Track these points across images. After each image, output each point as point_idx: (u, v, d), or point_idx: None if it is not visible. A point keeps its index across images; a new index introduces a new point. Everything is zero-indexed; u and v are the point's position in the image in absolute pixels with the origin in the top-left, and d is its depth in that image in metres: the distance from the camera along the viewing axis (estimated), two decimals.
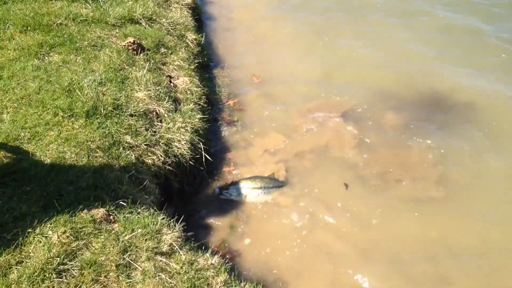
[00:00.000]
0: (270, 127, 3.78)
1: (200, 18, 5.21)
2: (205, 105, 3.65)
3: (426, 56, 4.63)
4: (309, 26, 5.15)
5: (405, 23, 5.22)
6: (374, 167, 3.40)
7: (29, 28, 3.50)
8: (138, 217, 2.26)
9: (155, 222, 2.27)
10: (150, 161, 2.79)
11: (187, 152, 3.00)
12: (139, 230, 2.17)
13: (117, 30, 3.81)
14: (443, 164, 3.40)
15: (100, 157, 2.54)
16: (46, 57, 3.24)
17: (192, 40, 4.31)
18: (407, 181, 3.28)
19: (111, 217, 2.21)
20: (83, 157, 2.50)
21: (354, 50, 4.76)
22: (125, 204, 2.31)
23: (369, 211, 3.05)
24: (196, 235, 2.77)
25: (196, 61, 4.09)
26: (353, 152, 3.53)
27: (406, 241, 2.87)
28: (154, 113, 3.14)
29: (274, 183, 3.19)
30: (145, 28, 3.98)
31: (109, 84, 3.09)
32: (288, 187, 3.24)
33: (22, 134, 2.55)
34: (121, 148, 2.69)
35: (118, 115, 2.88)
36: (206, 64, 4.44)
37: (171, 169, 2.90)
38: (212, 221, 2.97)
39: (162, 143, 2.89)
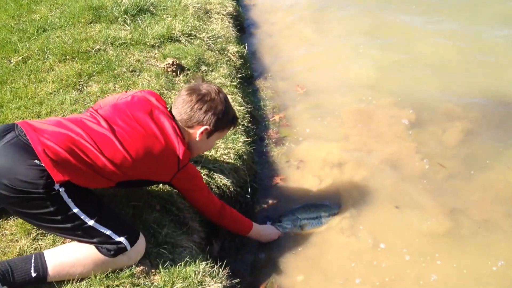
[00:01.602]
0: (320, 143, 3.52)
1: (242, 26, 5.01)
2: (249, 124, 3.45)
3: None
4: (358, 25, 4.80)
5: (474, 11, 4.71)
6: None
7: (67, 56, 3.45)
8: (179, 268, 2.10)
9: (197, 272, 2.10)
10: None
11: (231, 182, 2.81)
12: (179, 285, 2.01)
13: (156, 51, 3.68)
14: None
15: (138, 197, 2.40)
16: (84, 87, 3.17)
17: (233, 53, 4.11)
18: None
19: (152, 269, 2.07)
20: (122, 198, 2.38)
21: (411, 49, 4.38)
22: (165, 251, 2.16)
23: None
24: (242, 272, 2.60)
25: (239, 75, 3.89)
26: (414, 168, 3.20)
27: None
28: None
29: (329, 211, 2.94)
30: (185, 46, 3.83)
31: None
32: (343, 210, 2.98)
33: None
34: (161, 184, 2.55)
35: None
36: (249, 76, 4.23)
37: None
38: (261, 255, 2.77)
39: (204, 175, 2.72)
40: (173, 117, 2.08)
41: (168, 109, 2.13)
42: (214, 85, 2.16)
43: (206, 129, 2.08)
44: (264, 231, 2.69)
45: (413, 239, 2.74)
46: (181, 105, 2.07)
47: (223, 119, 2.12)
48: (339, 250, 2.72)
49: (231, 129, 2.30)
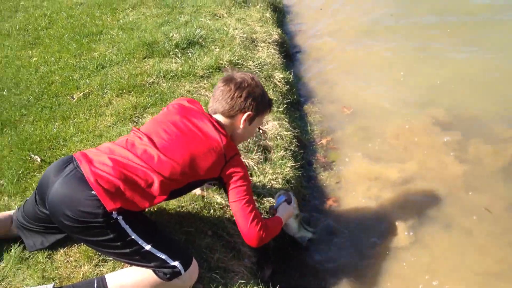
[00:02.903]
0: (370, 164, 3.51)
1: (288, 52, 5.11)
2: (297, 148, 3.50)
3: None
4: (407, 44, 4.78)
5: None
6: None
7: (124, 91, 3.67)
8: None
9: None
10: None
11: None
12: None
13: (205, 81, 3.84)
14: None
15: (190, 223, 2.50)
16: (140, 119, 3.35)
17: (279, 79, 4.21)
18: None
19: None
20: (175, 224, 2.48)
21: (464, 64, 4.29)
22: (218, 276, 2.24)
23: None
24: None
25: (285, 101, 3.98)
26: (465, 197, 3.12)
27: None
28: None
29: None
30: None
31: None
32: (396, 231, 2.95)
33: None
34: (212, 210, 2.64)
35: None
36: (296, 101, 4.30)
37: None
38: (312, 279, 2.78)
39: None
40: (210, 115, 2.15)
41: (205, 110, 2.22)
42: (247, 72, 2.23)
43: (249, 115, 2.13)
44: (284, 216, 2.52)
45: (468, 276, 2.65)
46: (220, 96, 2.13)
47: (262, 103, 2.18)
48: (396, 278, 2.69)
49: (268, 112, 2.32)
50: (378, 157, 3.56)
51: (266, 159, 3.17)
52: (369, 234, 2.96)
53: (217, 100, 2.15)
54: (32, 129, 3.24)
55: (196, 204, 2.62)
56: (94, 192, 1.85)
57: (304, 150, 3.67)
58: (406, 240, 2.88)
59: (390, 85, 4.34)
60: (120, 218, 1.90)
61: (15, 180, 2.76)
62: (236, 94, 2.10)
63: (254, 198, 2.76)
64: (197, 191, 2.70)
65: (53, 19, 5.23)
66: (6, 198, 2.64)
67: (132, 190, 1.90)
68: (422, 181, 3.27)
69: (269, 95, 2.29)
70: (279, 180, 2.99)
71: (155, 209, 2.54)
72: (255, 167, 3.03)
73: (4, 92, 3.72)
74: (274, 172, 3.03)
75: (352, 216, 3.15)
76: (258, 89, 2.15)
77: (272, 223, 2.30)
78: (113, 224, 1.89)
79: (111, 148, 2.02)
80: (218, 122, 2.11)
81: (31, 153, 2.99)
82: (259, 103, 2.15)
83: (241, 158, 2.18)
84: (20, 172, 2.82)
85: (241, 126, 2.16)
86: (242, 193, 2.08)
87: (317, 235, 2.96)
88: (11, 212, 2.31)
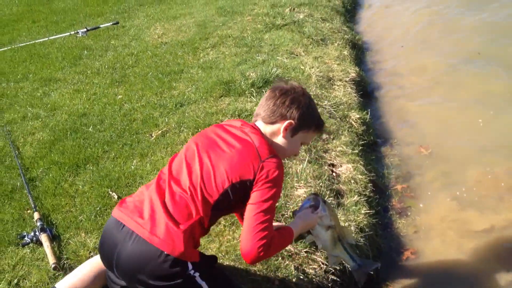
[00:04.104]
0: (451, 215, 3.24)
1: (366, 91, 4.97)
2: (372, 194, 3.33)
3: None
4: (493, 86, 4.45)
5: None
6: None
7: (199, 129, 3.74)
8: None
9: None
10: (311, 270, 2.58)
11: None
12: None
13: None
14: None
15: (258, 270, 2.43)
16: None
17: (356, 119, 4.08)
18: None
19: None
20: (242, 271, 2.42)
21: None
22: None
23: None
24: None
25: (361, 142, 3.83)
26: None
27: None
28: None
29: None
30: None
31: (304, 240, 3.01)
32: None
33: None
34: (280, 257, 2.55)
35: (276, 219, 2.78)
36: (372, 142, 4.13)
37: (334, 278, 2.63)
38: None
39: (324, 250, 2.65)
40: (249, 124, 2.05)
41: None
42: (299, 84, 2.09)
43: (290, 123, 1.97)
44: (300, 225, 2.17)
45: None
46: (264, 102, 2.04)
47: (308, 116, 2.01)
48: None
49: (317, 133, 2.15)
50: (461, 205, 3.28)
51: (338, 204, 3.04)
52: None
53: (261, 107, 2.05)
54: (112, 166, 3.38)
55: None
56: (164, 253, 1.78)
57: (380, 196, 3.48)
58: None
59: (473, 127, 4.03)
60: (197, 275, 1.85)
61: (92, 217, 2.87)
62: (279, 100, 1.99)
63: None
64: None
65: (139, 57, 5.55)
66: (83, 234, 2.75)
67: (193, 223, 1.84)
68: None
69: (320, 115, 2.12)
70: (352, 227, 2.83)
71: (224, 254, 2.51)
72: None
73: (90, 129, 3.95)
74: (346, 219, 2.89)
75: (432, 271, 2.90)
76: (304, 98, 2.02)
77: (279, 238, 1.95)
78: (190, 280, 1.84)
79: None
80: (254, 126, 2.01)
81: (109, 190, 3.11)
82: (303, 113, 1.99)
83: (282, 164, 1.94)
84: (98, 208, 2.94)
85: (282, 134, 2.01)
86: (265, 197, 1.85)
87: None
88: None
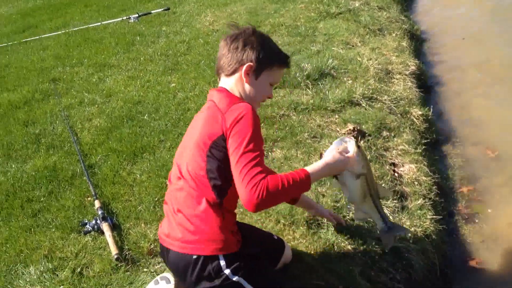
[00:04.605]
0: None
1: (426, 85, 4.75)
2: (437, 197, 3.17)
3: None
4: None
5: None
6: None
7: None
8: None
9: None
10: (375, 277, 2.47)
11: (418, 265, 2.57)
12: None
13: (336, 116, 3.69)
14: None
15: (320, 275, 2.35)
16: (269, 153, 3.30)
17: (417, 116, 3.90)
18: None
19: None
20: (305, 273, 2.35)
21: None
22: None
23: None
24: None
25: (423, 141, 3.65)
26: None
27: None
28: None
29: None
30: (365, 110, 3.77)
31: (328, 183, 2.93)
32: None
33: None
34: (342, 263, 2.46)
35: None
36: (434, 141, 3.94)
37: (400, 287, 2.51)
38: None
39: (391, 255, 2.54)
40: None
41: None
42: (249, 25, 1.97)
43: (249, 66, 1.86)
44: (323, 167, 1.84)
45: None
46: (219, 55, 1.94)
47: (265, 53, 1.88)
48: None
49: (283, 67, 1.98)
50: None
51: (402, 208, 2.90)
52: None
53: (218, 60, 1.95)
54: (168, 156, 3.36)
55: (329, 252, 2.46)
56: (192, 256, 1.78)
57: (445, 199, 3.31)
58: None
59: None
60: (231, 272, 1.78)
61: (151, 207, 2.86)
62: (232, 46, 1.88)
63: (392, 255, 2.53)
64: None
65: (191, 45, 5.51)
66: (142, 224, 2.74)
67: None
68: None
69: (280, 49, 1.97)
70: (418, 234, 2.70)
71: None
72: (390, 217, 2.78)
73: (145, 117, 3.95)
74: (412, 224, 2.75)
75: (499, 284, 2.73)
76: (256, 37, 1.89)
77: (285, 178, 1.67)
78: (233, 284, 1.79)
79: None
80: (217, 88, 1.93)
81: (167, 180, 3.09)
82: (259, 52, 1.86)
83: (250, 107, 1.77)
84: (156, 199, 2.92)
85: (245, 80, 1.88)
86: (240, 140, 1.67)
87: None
88: None
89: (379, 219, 2.12)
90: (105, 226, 2.63)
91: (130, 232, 2.69)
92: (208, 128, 1.79)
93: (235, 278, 1.78)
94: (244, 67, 1.86)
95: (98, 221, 2.69)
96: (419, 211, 2.88)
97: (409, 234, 2.56)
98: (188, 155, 1.84)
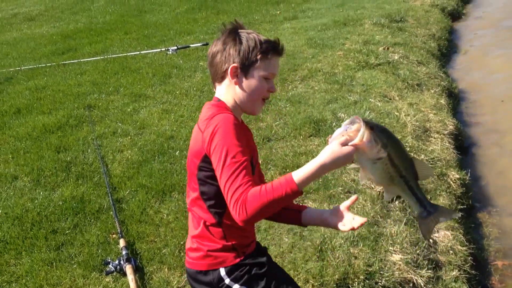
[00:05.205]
0: None
1: (462, 146, 4.63)
2: (473, 270, 3.01)
3: None
4: None
5: None
6: None
7: (287, 170, 3.60)
8: None
9: None
10: None
11: None
12: None
13: None
14: None
15: None
16: (301, 203, 3.21)
17: (455, 179, 3.77)
18: None
19: None
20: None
21: None
22: None
23: None
24: None
25: (460, 207, 3.52)
26: None
27: None
28: (411, 284, 2.70)
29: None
30: None
31: (361, 244, 2.82)
32: None
33: None
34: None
35: (370, 286, 2.56)
36: (470, 206, 3.79)
37: None
38: None
39: None
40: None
41: None
42: (230, 23, 1.86)
43: (233, 68, 1.75)
44: (316, 166, 1.57)
45: None
46: (207, 64, 1.87)
47: (246, 47, 1.76)
48: None
49: (272, 56, 1.80)
50: None
51: (437, 278, 2.76)
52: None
53: (209, 70, 1.89)
54: None
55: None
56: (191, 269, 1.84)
57: (479, 271, 3.14)
58: None
59: None
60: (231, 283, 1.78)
61: (176, 252, 2.79)
62: (214, 52, 1.81)
63: None
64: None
65: None
66: (166, 269, 2.67)
67: None
68: None
69: (262, 37, 1.80)
70: None
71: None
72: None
73: (177, 153, 3.93)
74: None
75: None
76: (232, 35, 1.79)
77: (268, 190, 1.51)
78: None
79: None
80: (211, 102, 1.82)
81: None
82: (239, 48, 1.76)
83: (224, 116, 1.68)
84: (182, 243, 2.85)
85: (234, 83, 1.77)
86: (219, 155, 1.59)
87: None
88: None
89: (415, 203, 1.74)
90: (128, 269, 2.56)
91: (152, 277, 2.62)
92: (193, 148, 1.78)
93: (234, 287, 1.79)
94: (229, 70, 1.77)
95: (122, 262, 2.62)
96: (453, 284, 2.74)
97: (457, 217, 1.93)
98: (187, 180, 1.88)
